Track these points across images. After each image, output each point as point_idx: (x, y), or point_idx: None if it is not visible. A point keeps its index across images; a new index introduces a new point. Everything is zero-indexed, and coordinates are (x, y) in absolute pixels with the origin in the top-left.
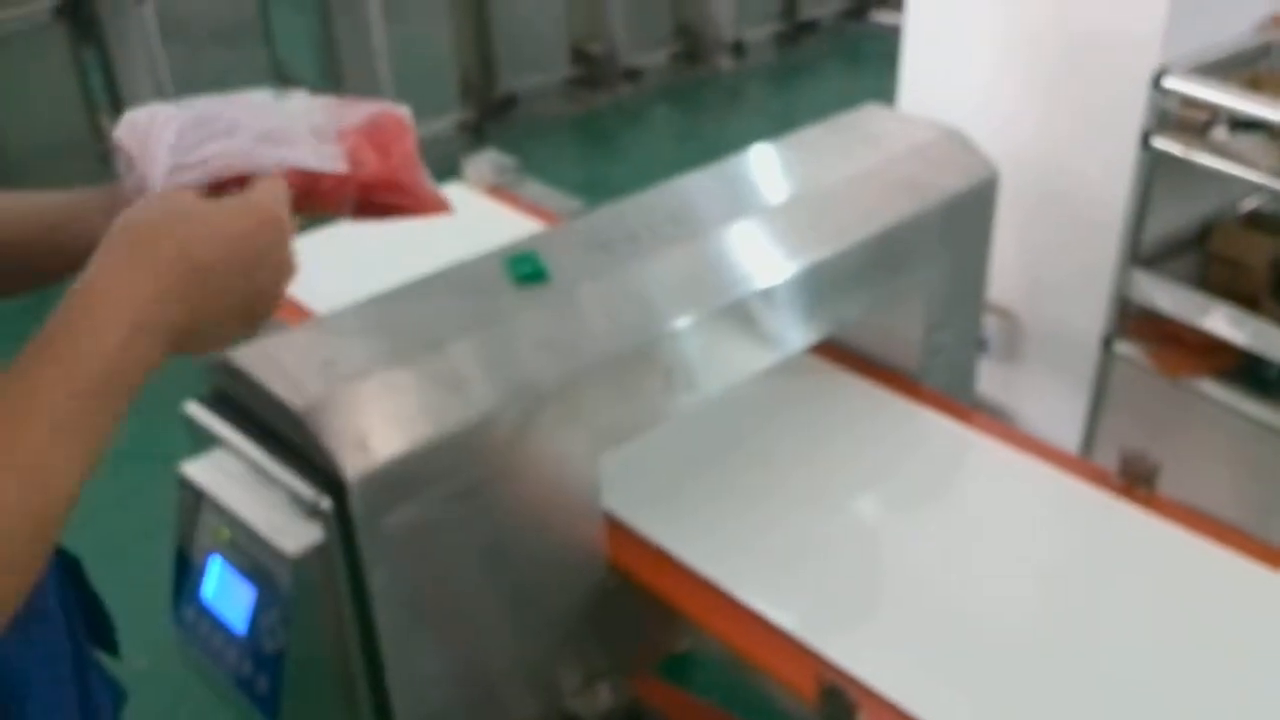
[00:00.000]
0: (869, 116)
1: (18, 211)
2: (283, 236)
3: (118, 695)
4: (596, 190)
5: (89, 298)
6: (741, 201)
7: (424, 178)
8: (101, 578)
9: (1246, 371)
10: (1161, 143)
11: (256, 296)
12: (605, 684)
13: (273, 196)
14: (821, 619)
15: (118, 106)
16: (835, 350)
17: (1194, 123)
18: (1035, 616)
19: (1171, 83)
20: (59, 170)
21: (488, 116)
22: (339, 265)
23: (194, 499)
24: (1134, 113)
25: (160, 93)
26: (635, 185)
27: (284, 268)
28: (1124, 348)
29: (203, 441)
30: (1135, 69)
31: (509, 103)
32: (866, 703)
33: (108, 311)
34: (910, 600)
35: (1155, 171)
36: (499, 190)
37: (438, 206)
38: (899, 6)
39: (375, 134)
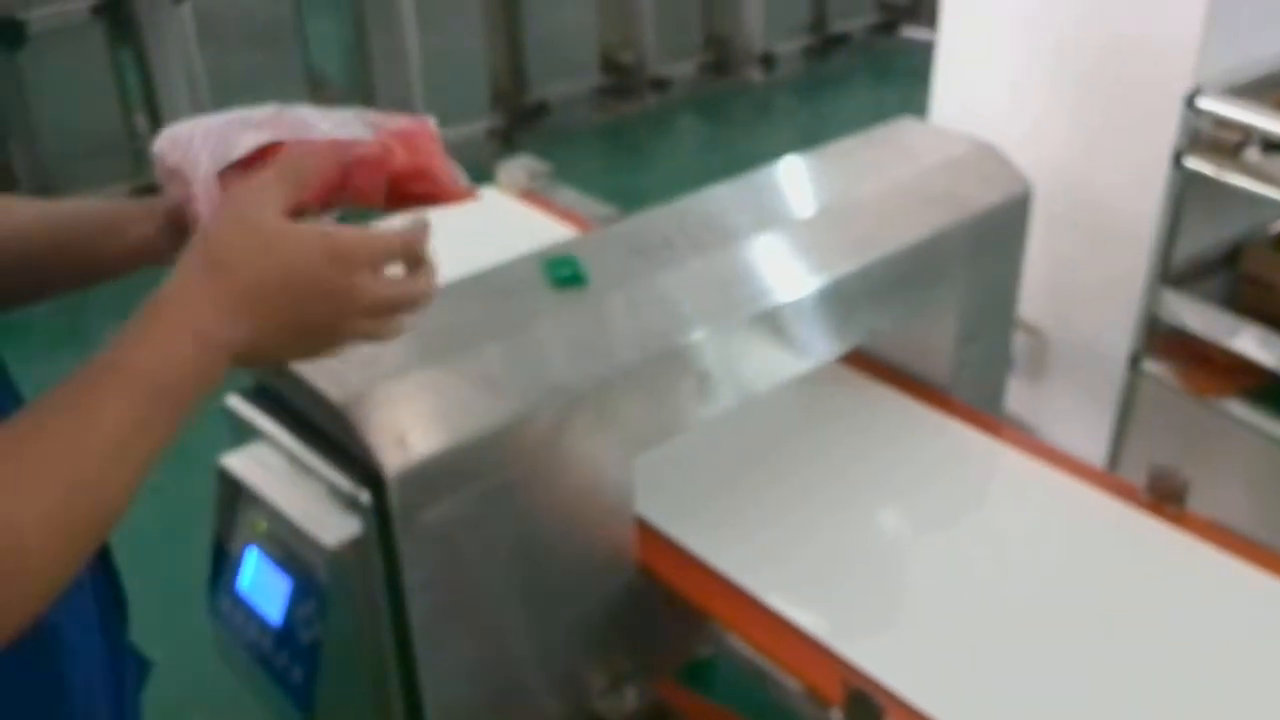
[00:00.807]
0: (903, 129)
1: (58, 218)
2: (347, 271)
3: (143, 664)
4: (623, 198)
5: (162, 309)
6: (776, 211)
7: (452, 167)
8: (131, 573)
9: (1275, 392)
10: (1193, 162)
11: (318, 325)
12: (631, 686)
13: (298, 168)
14: (848, 625)
15: (152, 105)
16: (866, 360)
17: (1227, 143)
18: (1062, 629)
19: (1205, 103)
20: (94, 167)
21: (518, 123)
22: None
23: (232, 491)
24: (1166, 131)
25: (194, 93)
26: (662, 194)
27: (345, 301)
28: (1152, 366)
29: (241, 434)
30: (1168, 88)
31: (539, 110)
32: (892, 708)
33: (175, 326)
34: (937, 609)
35: (1186, 191)
36: (531, 195)
37: (465, 194)
38: (930, 22)
39: (405, 135)
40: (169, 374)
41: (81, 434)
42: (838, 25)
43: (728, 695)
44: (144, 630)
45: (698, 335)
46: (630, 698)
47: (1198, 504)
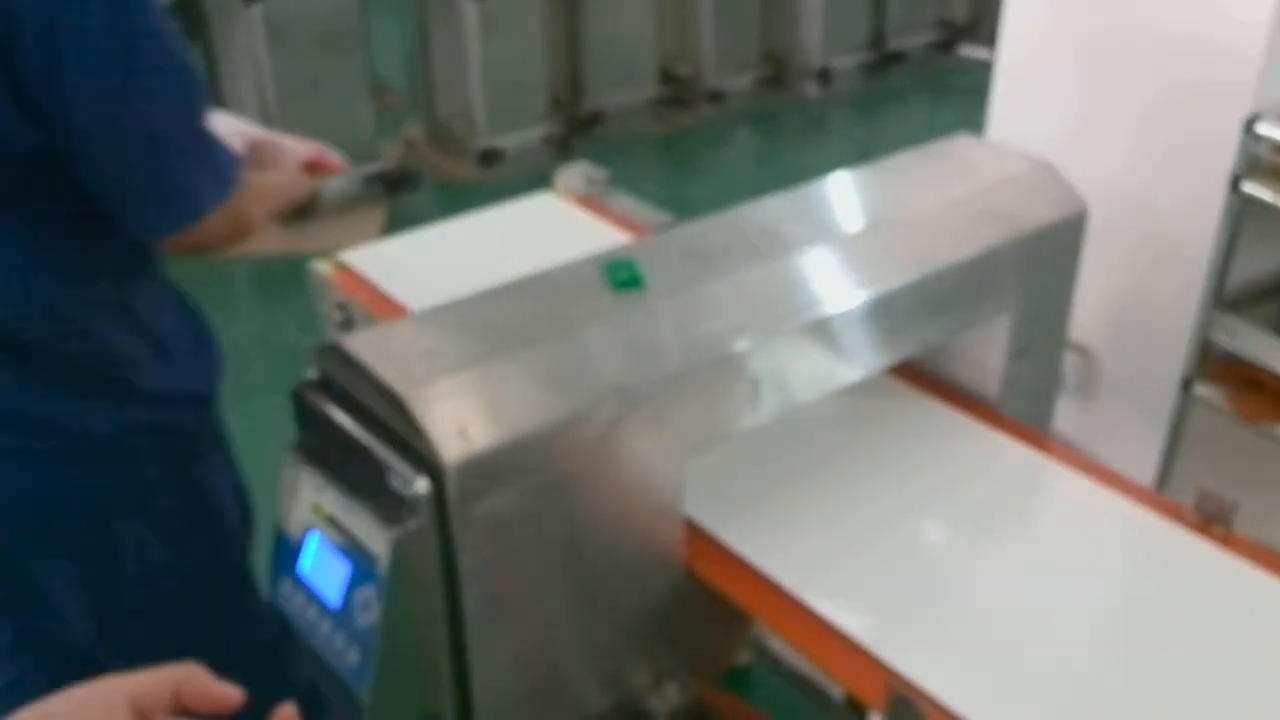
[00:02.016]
0: (960, 145)
1: None
2: None
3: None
4: (676, 209)
5: None
6: (832, 222)
7: None
8: None
9: None
10: (1251, 187)
11: None
12: (674, 684)
13: None
14: (892, 631)
15: (219, 103)
16: (916, 373)
17: None
18: (1104, 644)
19: (1264, 128)
20: None
21: (574, 131)
22: (435, 268)
23: (297, 477)
24: (1224, 156)
25: (260, 93)
26: (715, 206)
27: None
28: (1203, 391)
29: (307, 423)
30: (1228, 113)
31: (595, 119)
32: (933, 714)
33: None
34: (981, 619)
35: (1243, 216)
36: (588, 201)
37: None
38: (988, 41)
39: None
40: None
41: None
42: (896, 42)
43: (764, 704)
44: None
45: (752, 341)
46: (672, 695)
47: (1246, 529)
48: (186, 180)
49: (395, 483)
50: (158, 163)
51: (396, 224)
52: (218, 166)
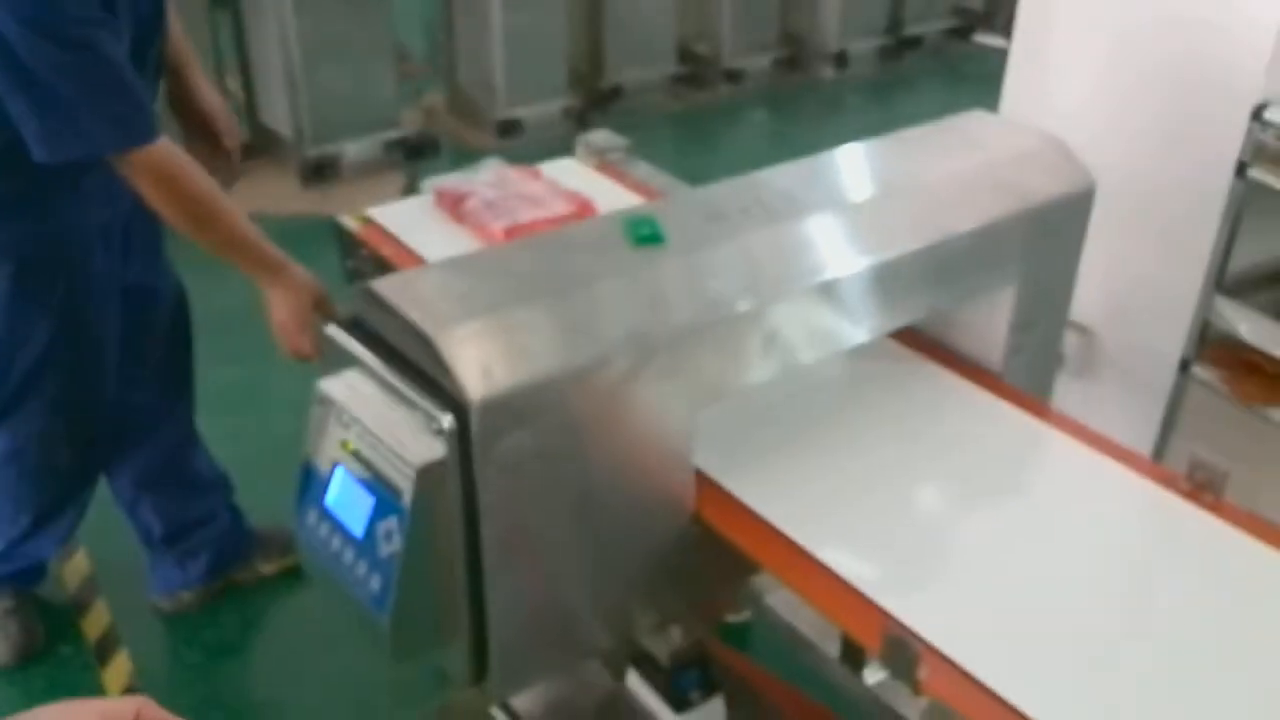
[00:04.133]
0: (973, 120)
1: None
2: None
3: None
4: (691, 183)
5: None
6: (846, 189)
7: None
8: None
9: None
10: (1257, 173)
11: None
12: (677, 627)
13: None
14: (890, 579)
15: (245, 65)
16: (923, 341)
17: None
18: (1094, 595)
19: (1272, 115)
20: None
21: (593, 105)
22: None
23: (325, 413)
24: (1232, 142)
25: (286, 57)
26: None
27: None
28: (1202, 372)
29: (337, 361)
30: (1237, 99)
31: (614, 93)
32: (928, 657)
33: None
34: (975, 570)
35: (1247, 201)
36: (607, 167)
37: None
38: (1004, 29)
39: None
40: None
41: None
42: (913, 28)
43: (763, 658)
44: None
45: (766, 298)
46: (675, 637)
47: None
48: (84, 126)
49: (421, 419)
50: (58, 111)
51: (415, 189)
52: (120, 119)
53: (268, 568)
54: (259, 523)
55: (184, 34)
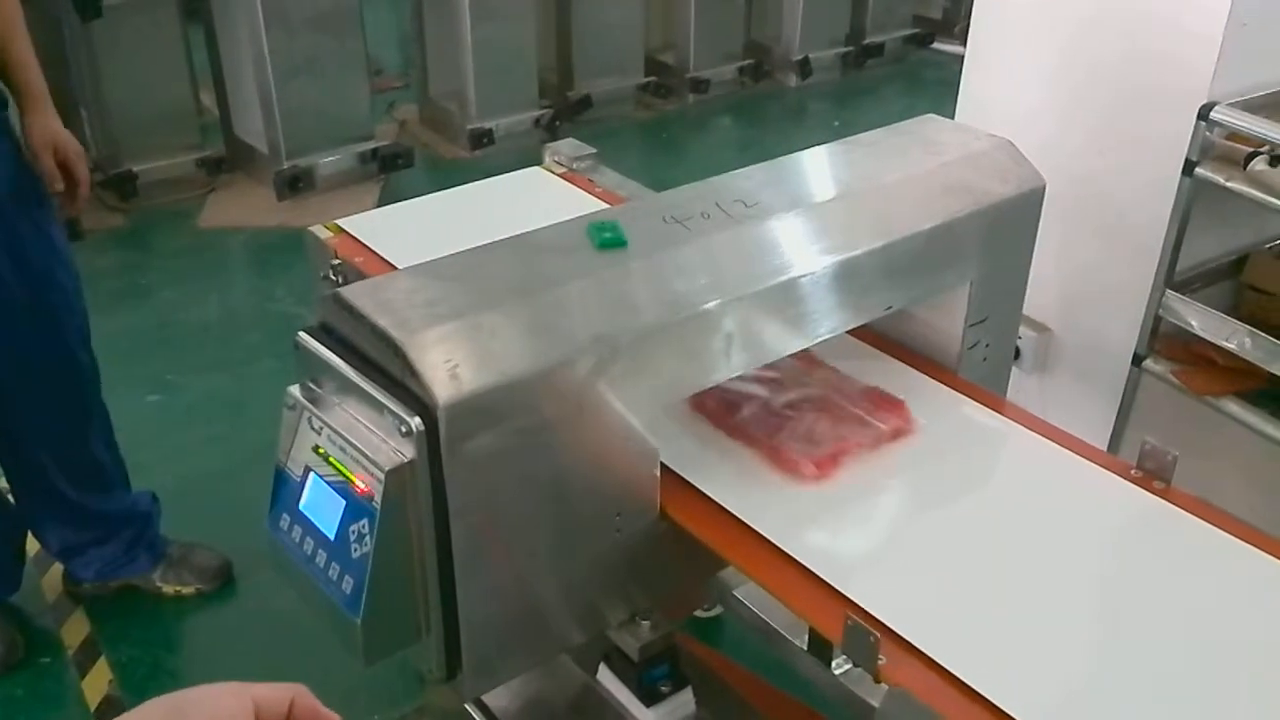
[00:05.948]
0: (928, 124)
1: None
2: None
3: None
4: (659, 189)
5: None
6: (804, 191)
7: None
8: (190, 508)
9: (1271, 395)
10: (1205, 171)
11: None
12: (646, 621)
13: None
14: (850, 568)
15: (219, 82)
16: (880, 337)
17: (1237, 155)
18: (1049, 581)
19: (1219, 115)
20: (161, 139)
21: (563, 115)
22: (427, 233)
23: (296, 417)
24: (1180, 142)
25: (259, 73)
26: None
27: None
28: (1154, 366)
29: (307, 367)
30: (1185, 100)
31: (584, 104)
32: (887, 641)
33: None
34: (934, 558)
35: (1196, 199)
36: (574, 176)
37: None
38: (962, 36)
39: None
40: None
41: None
42: (874, 36)
43: (733, 652)
44: None
45: (725, 299)
46: (644, 631)
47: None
48: None
49: (390, 422)
50: None
51: (389, 201)
52: None
53: (168, 589)
54: (211, 538)
55: (30, 64)
